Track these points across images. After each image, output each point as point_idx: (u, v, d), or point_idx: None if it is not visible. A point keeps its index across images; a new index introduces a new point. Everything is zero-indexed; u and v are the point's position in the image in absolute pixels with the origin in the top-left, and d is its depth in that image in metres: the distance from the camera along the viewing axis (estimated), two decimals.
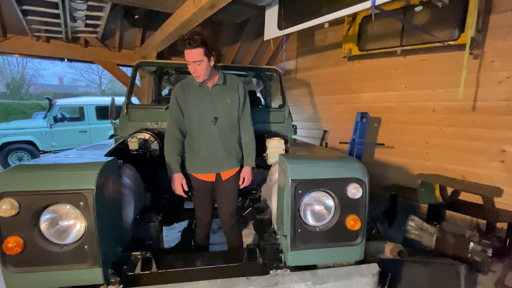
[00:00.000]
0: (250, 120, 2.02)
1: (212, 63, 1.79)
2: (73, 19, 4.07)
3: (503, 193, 2.80)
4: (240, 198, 2.45)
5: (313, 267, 1.47)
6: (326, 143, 4.59)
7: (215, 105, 1.87)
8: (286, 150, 2.19)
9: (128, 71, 5.54)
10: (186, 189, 1.87)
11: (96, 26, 4.46)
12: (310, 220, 1.44)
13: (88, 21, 4.23)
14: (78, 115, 8.51)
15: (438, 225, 2.75)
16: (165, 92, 4.55)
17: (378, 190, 3.66)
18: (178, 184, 1.84)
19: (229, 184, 1.98)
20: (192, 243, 2.20)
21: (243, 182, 2.00)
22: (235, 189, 2.02)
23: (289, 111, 2.84)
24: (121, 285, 1.29)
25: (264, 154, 2.19)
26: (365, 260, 1.50)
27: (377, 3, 2.27)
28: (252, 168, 2.04)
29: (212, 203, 2.07)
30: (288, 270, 1.43)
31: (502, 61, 2.78)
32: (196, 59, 1.70)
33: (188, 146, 1.94)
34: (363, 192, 1.42)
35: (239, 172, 2.01)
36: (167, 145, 1.88)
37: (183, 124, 1.91)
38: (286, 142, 2.26)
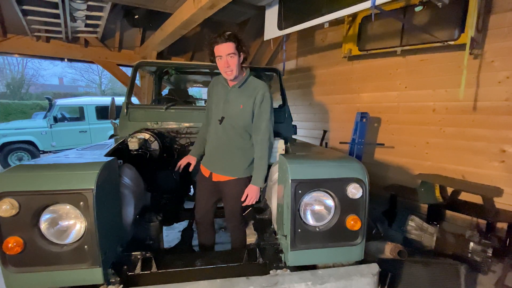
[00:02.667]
0: (266, 135, 1.81)
1: (241, 60, 1.78)
2: (73, 19, 4.08)
3: (503, 193, 2.80)
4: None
5: (313, 267, 1.47)
6: (326, 143, 4.58)
7: (227, 105, 1.86)
8: (286, 150, 2.19)
9: (128, 71, 5.55)
10: (190, 170, 2.07)
11: (96, 26, 4.47)
12: (310, 220, 1.44)
13: (88, 21, 4.24)
14: (78, 115, 8.52)
15: (438, 225, 2.75)
16: (165, 92, 4.55)
17: (378, 190, 3.66)
18: (183, 161, 2.06)
19: (228, 189, 1.92)
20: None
21: (246, 199, 1.83)
22: (235, 194, 1.90)
23: (289, 111, 2.84)
24: (121, 285, 1.29)
25: None
26: (365, 260, 1.50)
27: (377, 3, 2.26)
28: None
29: (210, 202, 2.02)
30: (288, 270, 1.43)
31: (502, 61, 2.78)
32: (229, 52, 1.69)
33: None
34: (363, 192, 1.41)
35: (241, 180, 1.89)
36: (199, 131, 2.16)
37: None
38: (286, 142, 2.26)
